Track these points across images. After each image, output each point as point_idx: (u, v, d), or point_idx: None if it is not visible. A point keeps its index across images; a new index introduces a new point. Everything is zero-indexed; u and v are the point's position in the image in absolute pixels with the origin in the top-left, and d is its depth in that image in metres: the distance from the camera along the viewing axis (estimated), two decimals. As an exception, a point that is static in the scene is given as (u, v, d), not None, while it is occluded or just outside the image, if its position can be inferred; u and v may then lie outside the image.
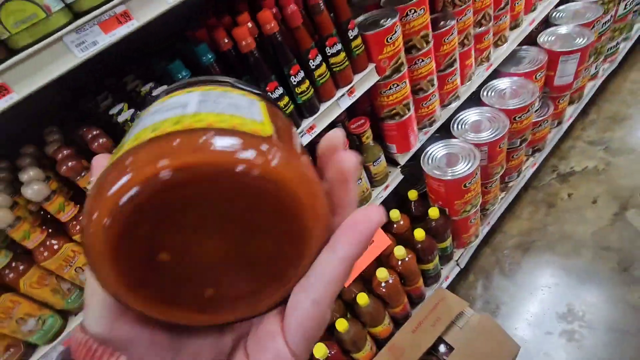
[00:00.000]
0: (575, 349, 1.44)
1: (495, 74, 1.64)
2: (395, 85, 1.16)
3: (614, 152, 2.02)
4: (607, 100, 2.28)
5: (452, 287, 1.71)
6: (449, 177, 1.33)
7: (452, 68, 1.35)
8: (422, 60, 1.21)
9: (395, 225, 1.45)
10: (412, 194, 1.50)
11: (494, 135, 1.43)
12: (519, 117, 1.54)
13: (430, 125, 1.39)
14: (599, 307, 1.51)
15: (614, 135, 2.10)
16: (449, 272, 1.62)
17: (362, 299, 1.27)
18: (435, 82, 1.30)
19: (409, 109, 1.25)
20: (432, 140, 1.45)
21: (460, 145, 1.42)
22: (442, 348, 1.27)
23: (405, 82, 1.18)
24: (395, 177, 1.40)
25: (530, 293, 1.64)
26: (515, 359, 1.27)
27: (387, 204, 1.48)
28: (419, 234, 1.37)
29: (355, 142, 1.23)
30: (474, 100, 1.59)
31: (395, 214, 1.43)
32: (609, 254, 1.66)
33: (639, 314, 1.45)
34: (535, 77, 1.62)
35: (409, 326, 1.34)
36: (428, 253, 1.42)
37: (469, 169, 1.33)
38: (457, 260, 1.63)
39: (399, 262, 1.36)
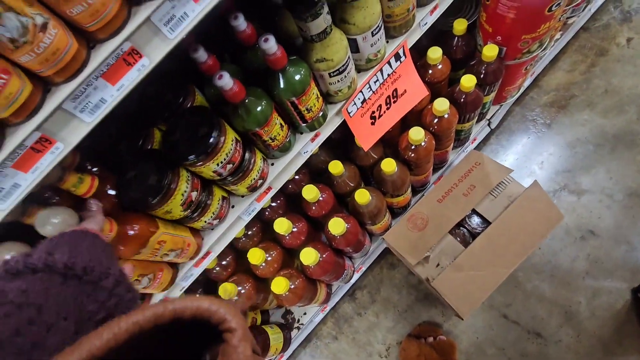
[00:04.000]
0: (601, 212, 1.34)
1: None
2: None
3: (698, -18, 1.55)
4: None
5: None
6: (533, -6, 0.88)
7: None
8: None
9: (431, 71, 1.06)
10: (460, 25, 1.05)
11: None
12: None
13: None
14: (625, 174, 1.36)
15: None
16: (479, 132, 1.34)
17: (389, 165, 0.98)
18: None
19: None
20: None
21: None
22: (474, 220, 1.08)
23: None
24: (449, -8, 0.93)
25: (558, 157, 1.45)
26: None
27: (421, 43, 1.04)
28: (469, 81, 1.00)
29: None
30: None
31: (436, 53, 1.02)
32: (659, 113, 1.42)
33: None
34: None
35: (434, 194, 1.12)
36: (472, 108, 1.08)
37: (563, -20, 0.87)
38: (489, 119, 1.34)
39: (436, 120, 1.03)
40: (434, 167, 1.28)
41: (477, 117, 1.19)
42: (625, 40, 1.55)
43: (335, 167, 1.00)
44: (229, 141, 0.68)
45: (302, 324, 1.27)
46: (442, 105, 0.97)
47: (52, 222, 0.52)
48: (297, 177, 1.10)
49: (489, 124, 1.35)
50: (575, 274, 1.28)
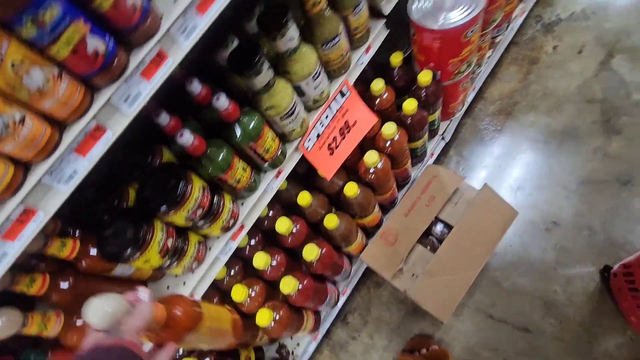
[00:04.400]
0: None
1: None
2: None
3: (602, -9, 1.78)
4: None
5: (436, 164, 1.58)
6: (448, 26, 1.03)
7: None
8: None
9: (378, 100, 1.18)
10: (396, 58, 1.20)
11: (499, -37, 1.09)
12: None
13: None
14: (575, 164, 1.48)
15: (604, -30, 1.83)
16: (434, 147, 1.46)
17: (351, 189, 1.07)
18: None
19: None
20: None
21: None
22: (439, 227, 1.17)
23: None
24: (379, 35, 1.07)
25: (513, 158, 1.57)
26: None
27: (364, 75, 1.18)
28: (410, 105, 1.12)
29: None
30: None
31: (378, 84, 1.14)
32: (592, 107, 1.57)
33: (613, 162, 1.44)
34: None
35: (400, 210, 1.21)
36: (419, 128, 1.20)
37: (471, 12, 1.02)
38: (442, 134, 1.46)
39: (388, 143, 1.14)
40: (398, 184, 1.38)
41: (427, 135, 1.31)
42: (552, 48, 1.74)
43: (303, 199, 1.08)
44: (197, 189, 0.76)
45: (296, 356, 1.29)
46: (389, 129, 1.09)
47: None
48: (271, 213, 1.17)
49: (443, 138, 1.47)
50: (548, 265, 1.36)
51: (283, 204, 1.20)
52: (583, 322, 1.26)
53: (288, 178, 1.16)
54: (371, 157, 1.06)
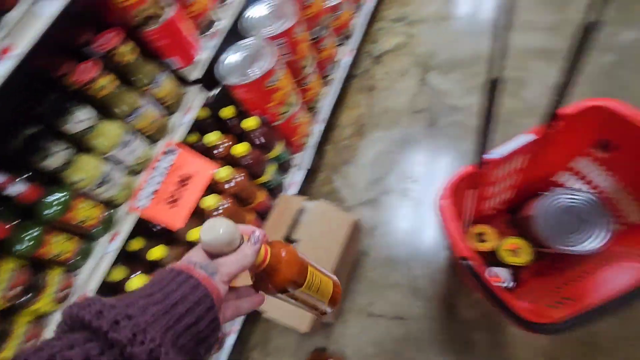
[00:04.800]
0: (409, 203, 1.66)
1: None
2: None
3: (412, 24, 2.20)
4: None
5: (304, 190, 1.75)
6: (249, 80, 1.23)
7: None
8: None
9: (216, 150, 1.34)
10: (227, 111, 1.38)
11: (285, 25, 1.34)
12: (308, 2, 1.47)
13: (209, 27, 1.22)
14: (421, 164, 1.75)
15: (409, 9, 2.27)
16: (293, 177, 1.63)
17: (196, 234, 1.17)
18: (194, -29, 1.10)
19: (166, 6, 1.04)
20: (224, 47, 1.30)
21: (254, 44, 1.31)
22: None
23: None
24: (197, 97, 1.24)
25: (365, 168, 1.80)
26: (358, 229, 1.40)
27: (206, 128, 1.34)
28: (240, 148, 1.29)
29: (111, 63, 0.99)
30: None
31: (209, 137, 1.30)
32: (420, 115, 1.88)
33: (446, 157, 1.72)
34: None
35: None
36: (257, 166, 1.36)
37: (264, 65, 1.24)
38: (298, 165, 1.65)
39: (228, 184, 1.28)
40: (263, 216, 1.51)
41: (276, 169, 1.47)
42: (383, 75, 2.08)
43: (154, 253, 1.16)
44: (5, 272, 0.82)
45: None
46: (220, 173, 1.23)
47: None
48: (134, 276, 1.22)
49: (299, 168, 1.66)
50: (401, 256, 1.54)
51: (144, 263, 1.26)
52: (444, 299, 1.43)
53: (147, 235, 1.24)
54: (208, 201, 1.19)
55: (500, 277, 1.29)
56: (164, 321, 0.34)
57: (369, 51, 2.18)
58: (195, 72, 1.22)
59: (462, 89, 1.89)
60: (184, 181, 1.21)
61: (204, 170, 1.25)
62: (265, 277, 0.48)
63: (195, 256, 0.42)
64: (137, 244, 1.20)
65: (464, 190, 1.08)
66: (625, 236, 1.10)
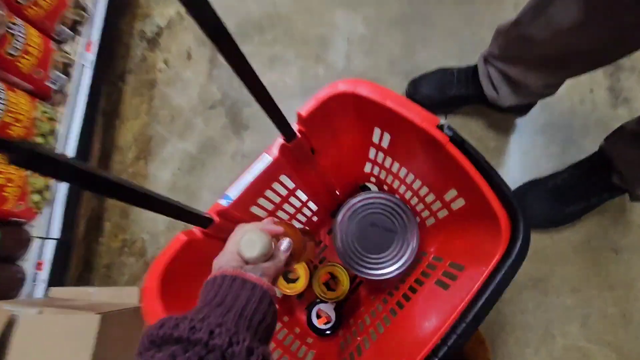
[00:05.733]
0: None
1: None
2: None
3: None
4: None
5: (80, 261, 1.25)
6: None
7: None
8: None
9: None
10: None
11: None
12: None
13: None
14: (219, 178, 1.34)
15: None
16: (40, 255, 1.12)
17: None
18: None
19: None
20: None
21: None
22: None
23: None
24: None
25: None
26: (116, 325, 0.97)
27: None
28: None
29: None
30: None
31: None
32: (216, 112, 1.44)
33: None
34: None
35: None
36: None
37: None
38: (41, 237, 1.12)
39: None
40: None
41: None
42: (163, 63, 1.55)
43: None
44: None
45: None
46: None
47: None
48: None
49: (47, 239, 1.14)
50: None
51: None
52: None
53: None
54: None
55: (329, 315, 1.01)
56: (245, 322, 0.40)
57: (142, 31, 1.60)
58: None
59: (261, 62, 1.47)
60: None
61: None
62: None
63: (232, 260, 0.47)
64: None
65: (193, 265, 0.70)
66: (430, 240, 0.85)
